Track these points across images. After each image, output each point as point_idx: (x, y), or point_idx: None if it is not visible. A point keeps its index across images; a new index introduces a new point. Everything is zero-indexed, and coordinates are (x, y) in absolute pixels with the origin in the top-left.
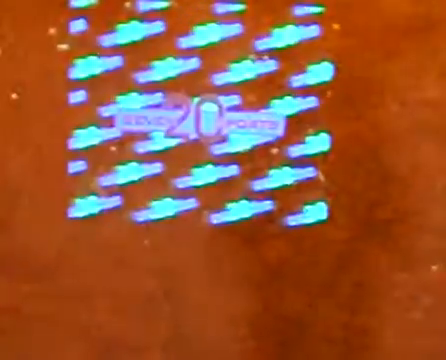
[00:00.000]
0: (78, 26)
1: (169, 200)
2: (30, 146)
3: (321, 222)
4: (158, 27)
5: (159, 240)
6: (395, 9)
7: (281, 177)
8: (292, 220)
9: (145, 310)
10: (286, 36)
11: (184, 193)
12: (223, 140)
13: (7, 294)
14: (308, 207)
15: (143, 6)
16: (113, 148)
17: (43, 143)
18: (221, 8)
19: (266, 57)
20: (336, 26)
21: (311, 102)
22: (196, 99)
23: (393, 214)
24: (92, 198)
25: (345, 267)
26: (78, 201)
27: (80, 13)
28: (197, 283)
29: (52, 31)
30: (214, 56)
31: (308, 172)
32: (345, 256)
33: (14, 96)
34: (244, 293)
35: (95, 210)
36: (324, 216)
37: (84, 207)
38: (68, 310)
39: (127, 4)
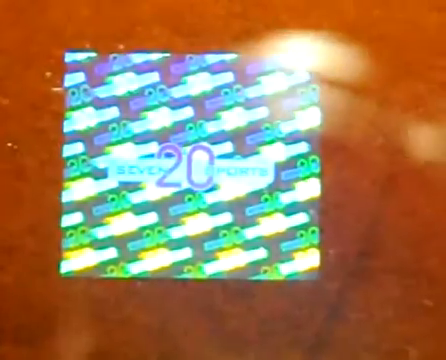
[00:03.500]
0: (73, 79)
1: (163, 251)
2: (24, 202)
3: (313, 270)
4: (152, 78)
5: (153, 295)
6: (379, 58)
7: (273, 224)
8: (284, 268)
9: None
10: (273, 83)
11: (178, 243)
12: (214, 188)
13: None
14: (300, 254)
15: (137, 58)
16: (108, 199)
17: (38, 197)
18: (212, 58)
19: None
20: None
21: (301, 148)
22: (187, 147)
23: (383, 263)
24: (87, 252)
25: (339, 318)
26: (73, 255)
27: (75, 66)
28: (191, 339)
29: (46, 86)
30: (205, 105)
31: (300, 219)
32: (338, 307)
33: (9, 144)
34: (238, 349)
35: (90, 264)
36: (316, 264)
37: (79, 262)
38: None
39: (121, 56)
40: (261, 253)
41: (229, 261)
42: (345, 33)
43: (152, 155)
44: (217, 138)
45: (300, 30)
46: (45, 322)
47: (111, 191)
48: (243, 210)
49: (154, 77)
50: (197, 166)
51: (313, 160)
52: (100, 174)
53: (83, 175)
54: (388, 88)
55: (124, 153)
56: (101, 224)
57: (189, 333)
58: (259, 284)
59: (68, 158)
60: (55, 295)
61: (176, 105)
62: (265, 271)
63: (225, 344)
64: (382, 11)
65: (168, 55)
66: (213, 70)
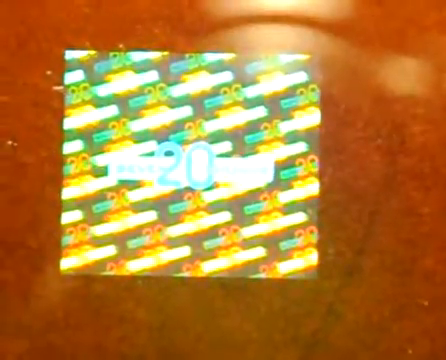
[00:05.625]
0: (73, 77)
1: (162, 249)
2: (24, 199)
3: (311, 269)
4: (151, 77)
5: (152, 292)
6: (377, 57)
7: (271, 223)
8: (283, 267)
9: None
10: (272, 83)
11: (177, 241)
12: (213, 187)
13: None
14: (299, 253)
15: (136, 57)
16: (107, 197)
17: (38, 195)
18: (210, 57)
19: None
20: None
21: (299, 147)
22: (187, 146)
23: (381, 262)
24: (86, 249)
25: (337, 317)
26: (72, 252)
27: (75, 64)
28: (190, 337)
29: (46, 83)
30: (204, 104)
31: (298, 218)
32: (336, 306)
33: (9, 142)
34: (236, 347)
35: (89, 262)
36: (315, 263)
37: (78, 259)
38: None
39: (120, 55)
40: (260, 252)
41: (228, 259)
42: (343, 32)
43: (152, 154)
44: (216, 137)
45: (299, 29)
46: (44, 319)
47: (111, 189)
48: (242, 209)
49: (153, 76)
50: (197, 165)
51: (312, 160)
52: (100, 172)
53: (83, 173)
54: (387, 88)
55: (124, 151)
56: (101, 222)
57: (188, 331)
58: (258, 283)
59: (68, 156)
60: (54, 292)
61: (175, 104)
62: (264, 270)
63: (223, 342)
64: (379, 9)
65: (167, 54)
66: (212, 69)
